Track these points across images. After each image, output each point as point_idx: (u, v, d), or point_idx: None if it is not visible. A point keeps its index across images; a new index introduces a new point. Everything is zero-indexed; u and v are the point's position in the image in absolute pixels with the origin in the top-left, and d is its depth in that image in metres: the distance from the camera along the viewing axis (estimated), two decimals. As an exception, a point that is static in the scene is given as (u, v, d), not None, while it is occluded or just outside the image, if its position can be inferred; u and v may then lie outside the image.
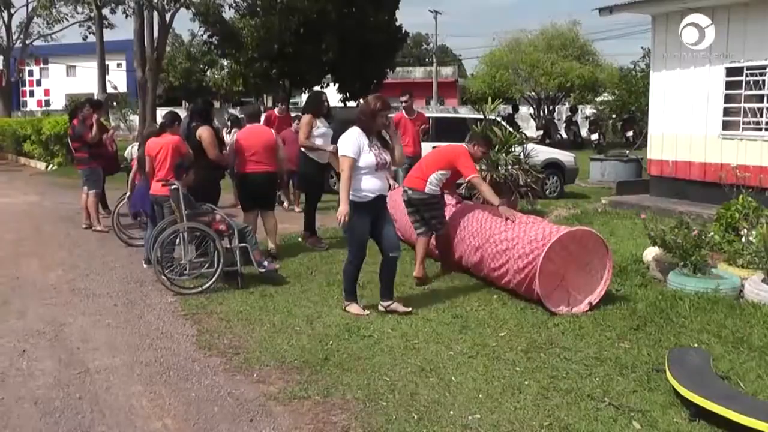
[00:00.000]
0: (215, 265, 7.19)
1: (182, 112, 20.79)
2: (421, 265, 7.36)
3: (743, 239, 7.36)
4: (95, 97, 17.11)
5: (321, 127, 9.12)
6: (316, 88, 30.01)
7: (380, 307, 6.35)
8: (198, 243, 7.35)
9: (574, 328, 5.83)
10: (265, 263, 7.49)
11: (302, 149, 9.16)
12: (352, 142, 6.10)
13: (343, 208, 6.01)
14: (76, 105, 11.50)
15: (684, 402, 4.27)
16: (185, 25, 51.08)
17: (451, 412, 4.32)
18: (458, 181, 7.83)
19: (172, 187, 7.45)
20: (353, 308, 6.40)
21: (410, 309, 6.33)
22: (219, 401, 4.58)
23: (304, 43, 26.83)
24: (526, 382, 4.75)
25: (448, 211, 7.79)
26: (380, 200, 6.27)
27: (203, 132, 8.28)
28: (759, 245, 6.84)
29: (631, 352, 5.29)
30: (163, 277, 7.11)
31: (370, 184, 6.13)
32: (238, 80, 31.53)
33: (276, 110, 12.62)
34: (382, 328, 5.88)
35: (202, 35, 31.89)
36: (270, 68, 28.76)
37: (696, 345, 5.36)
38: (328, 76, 30.63)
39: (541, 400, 4.49)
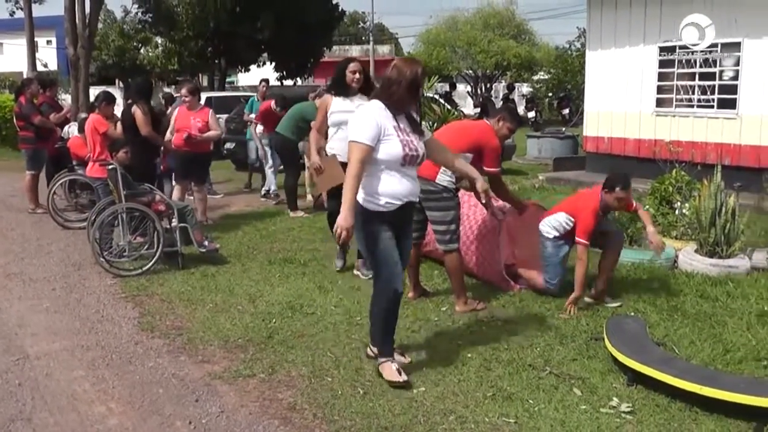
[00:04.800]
0: (155, 246, 7.09)
1: (116, 91, 20.34)
2: (414, 282, 6.10)
3: (677, 212, 7.57)
4: (25, 76, 16.53)
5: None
6: (253, 67, 29.64)
7: (369, 352, 4.75)
8: (137, 224, 7.23)
9: (514, 302, 5.94)
10: (206, 243, 7.41)
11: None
12: (370, 122, 4.14)
13: (344, 220, 4.04)
14: (23, 82, 11.00)
15: (622, 368, 4.40)
16: (118, 0, 49.96)
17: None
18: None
19: (110, 167, 7.31)
20: (387, 370, 4.39)
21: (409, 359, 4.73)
22: (163, 383, 4.53)
23: (239, 22, 26.46)
24: (469, 355, 4.82)
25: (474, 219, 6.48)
26: (408, 209, 4.38)
27: (136, 109, 8.18)
28: (692, 217, 7.05)
29: (571, 322, 5.42)
30: (102, 259, 6.99)
31: (396, 187, 4.21)
32: (173, 59, 30.98)
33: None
34: (326, 306, 5.89)
35: (135, 12, 31.19)
36: (205, 47, 28.37)
37: (633, 314, 5.52)
38: (265, 54, 30.29)
39: (484, 371, 4.56)
